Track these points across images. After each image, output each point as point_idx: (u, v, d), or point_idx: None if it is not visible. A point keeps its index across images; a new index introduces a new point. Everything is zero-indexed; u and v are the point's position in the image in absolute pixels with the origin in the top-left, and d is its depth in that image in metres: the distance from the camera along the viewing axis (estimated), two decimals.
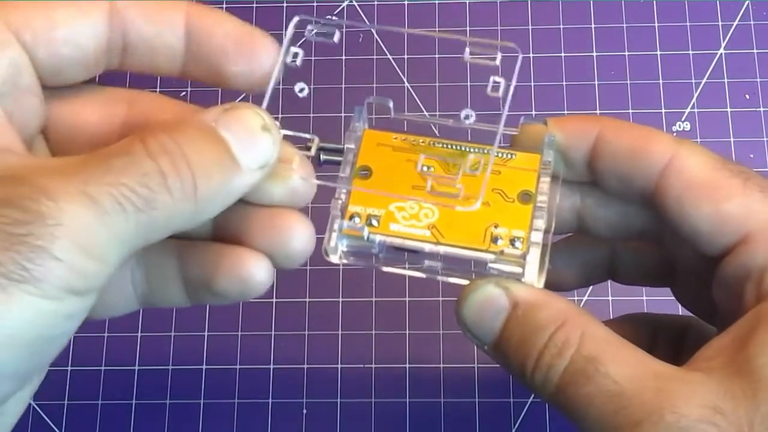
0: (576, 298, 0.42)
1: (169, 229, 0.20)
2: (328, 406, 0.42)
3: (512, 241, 0.23)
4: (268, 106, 0.23)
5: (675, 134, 0.45)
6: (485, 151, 0.25)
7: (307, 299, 0.43)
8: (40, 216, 0.18)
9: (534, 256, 0.23)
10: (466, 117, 0.24)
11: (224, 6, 0.49)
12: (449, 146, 0.25)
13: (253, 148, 0.21)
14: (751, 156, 0.45)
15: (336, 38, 0.25)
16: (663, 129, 0.45)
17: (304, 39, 0.24)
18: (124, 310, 0.25)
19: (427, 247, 0.24)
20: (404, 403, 0.42)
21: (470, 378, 0.41)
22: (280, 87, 0.24)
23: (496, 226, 0.23)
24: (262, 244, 0.23)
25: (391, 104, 0.25)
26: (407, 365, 0.42)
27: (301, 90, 0.24)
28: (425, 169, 0.25)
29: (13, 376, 0.19)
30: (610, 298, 0.42)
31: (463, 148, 0.25)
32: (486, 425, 0.41)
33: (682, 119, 0.45)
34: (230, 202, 0.21)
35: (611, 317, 0.37)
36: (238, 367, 0.42)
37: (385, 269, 0.25)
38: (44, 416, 0.42)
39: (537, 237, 0.23)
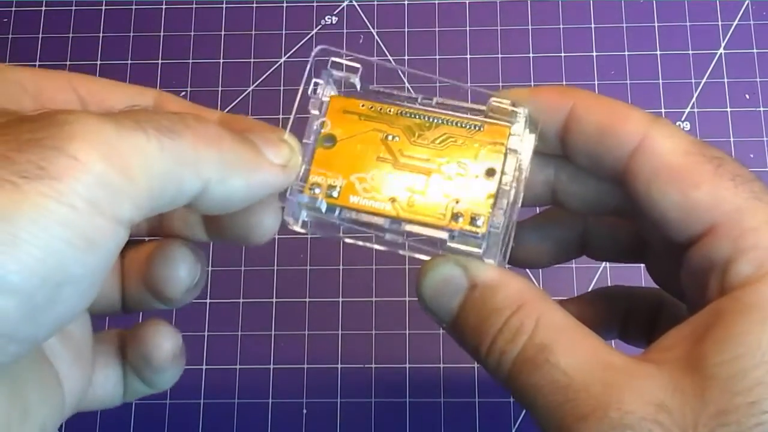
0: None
1: (197, 172, 0.19)
2: (328, 406, 0.42)
3: (473, 219, 0.22)
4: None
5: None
6: (453, 122, 0.24)
7: (307, 299, 0.43)
8: (55, 122, 0.17)
9: (496, 234, 0.22)
10: (431, 98, 0.24)
11: (224, 6, 0.49)
12: (417, 116, 0.24)
13: (274, 147, 0.21)
14: (751, 156, 0.45)
15: (359, 74, 0.24)
16: None
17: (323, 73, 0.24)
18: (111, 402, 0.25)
19: (387, 223, 0.23)
20: (404, 403, 0.42)
21: (470, 378, 0.41)
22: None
23: (457, 202, 0.23)
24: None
25: (357, 81, 0.24)
26: (407, 365, 0.42)
27: (323, 124, 0.24)
28: (391, 138, 0.24)
29: (20, 294, 0.16)
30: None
31: (431, 119, 0.24)
32: (486, 425, 0.41)
33: (682, 119, 0.45)
34: (252, 186, 0.21)
35: None
36: (238, 367, 0.42)
37: (348, 241, 0.24)
38: None
39: (499, 215, 0.22)
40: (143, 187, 0.18)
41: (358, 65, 0.24)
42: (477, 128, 0.24)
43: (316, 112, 0.24)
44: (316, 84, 0.24)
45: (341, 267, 0.44)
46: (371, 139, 0.24)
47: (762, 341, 0.19)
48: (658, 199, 0.22)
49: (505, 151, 0.23)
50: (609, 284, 0.42)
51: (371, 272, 0.43)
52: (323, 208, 0.23)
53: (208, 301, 0.43)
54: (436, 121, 0.24)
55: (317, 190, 0.23)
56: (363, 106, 0.24)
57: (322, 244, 0.44)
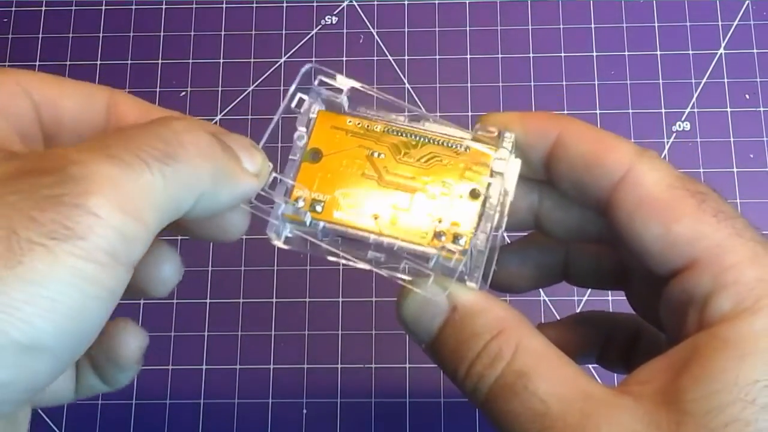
0: (576, 298, 0.42)
1: (194, 190, 0.20)
2: (328, 406, 0.42)
3: (456, 239, 0.22)
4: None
5: (674, 135, 0.45)
6: (440, 142, 0.24)
7: (307, 299, 0.43)
8: (70, 177, 0.17)
9: (478, 257, 0.22)
10: (420, 119, 0.24)
11: (224, 6, 0.49)
12: (404, 134, 0.24)
13: (249, 155, 0.22)
14: (751, 156, 0.45)
15: (344, 98, 0.24)
16: (663, 129, 0.45)
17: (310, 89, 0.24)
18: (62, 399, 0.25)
19: (371, 238, 0.23)
20: (404, 403, 0.42)
21: None
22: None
23: (440, 221, 0.23)
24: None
25: (345, 101, 0.25)
26: (407, 365, 0.42)
27: (299, 137, 0.24)
28: (377, 156, 0.24)
29: (53, 353, 0.17)
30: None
31: (417, 138, 0.24)
32: (486, 425, 0.41)
33: (682, 119, 0.45)
34: (234, 196, 0.21)
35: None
36: (238, 367, 0.43)
37: (330, 258, 0.24)
38: (44, 416, 0.42)
39: (482, 237, 0.22)
40: (152, 227, 0.19)
41: (343, 87, 0.24)
42: (463, 149, 0.24)
43: (303, 129, 0.24)
44: (301, 100, 0.24)
45: (341, 267, 0.44)
46: (357, 156, 0.24)
47: (738, 378, 0.19)
48: (640, 231, 0.22)
49: (490, 173, 0.23)
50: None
51: (371, 272, 0.43)
52: (307, 223, 0.23)
53: (208, 301, 0.43)
54: (422, 140, 0.24)
55: (301, 204, 0.23)
56: (350, 122, 0.24)
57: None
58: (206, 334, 0.43)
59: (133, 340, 0.24)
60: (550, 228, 0.26)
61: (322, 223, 0.23)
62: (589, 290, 0.42)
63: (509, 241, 0.29)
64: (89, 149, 0.18)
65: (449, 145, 0.24)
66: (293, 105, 0.24)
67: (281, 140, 0.24)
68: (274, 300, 0.43)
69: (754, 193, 0.44)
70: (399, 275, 0.23)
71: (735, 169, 0.44)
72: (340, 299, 0.43)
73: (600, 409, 0.20)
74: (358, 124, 0.24)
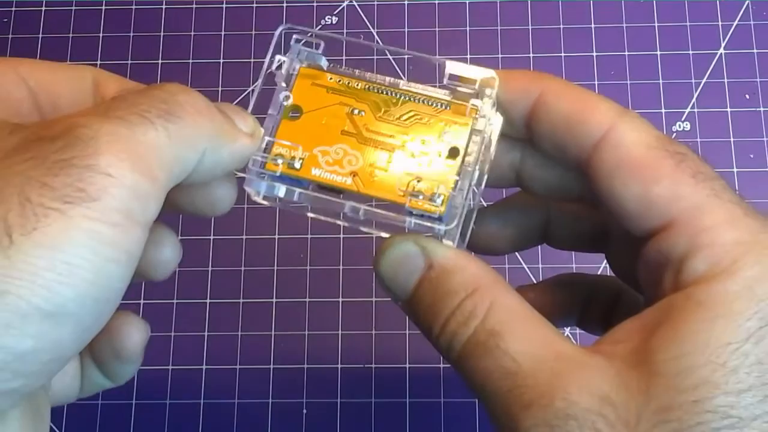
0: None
1: (197, 147, 0.20)
2: (328, 406, 0.42)
3: (432, 198, 0.22)
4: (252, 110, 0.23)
5: (674, 135, 0.45)
6: (420, 100, 0.24)
7: (307, 299, 0.43)
8: (78, 139, 0.17)
9: (455, 215, 0.22)
10: (399, 82, 0.24)
11: (224, 6, 0.49)
12: (385, 92, 0.24)
13: (242, 118, 0.22)
14: (751, 156, 0.45)
15: (321, 49, 0.24)
16: (663, 129, 0.45)
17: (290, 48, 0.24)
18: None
19: (347, 197, 0.23)
20: (404, 403, 0.42)
21: None
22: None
23: (419, 180, 0.23)
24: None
25: (324, 63, 0.25)
26: (407, 365, 0.42)
27: (286, 98, 0.24)
28: (357, 113, 0.24)
29: (76, 319, 0.17)
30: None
31: (398, 95, 0.24)
32: (486, 425, 0.41)
33: (682, 119, 0.45)
34: (234, 155, 0.21)
35: None
36: (238, 367, 0.43)
37: (311, 215, 0.24)
38: None
39: (460, 195, 0.22)
40: (163, 184, 0.19)
41: (321, 41, 0.24)
42: (444, 107, 0.24)
43: (284, 84, 0.24)
44: (280, 62, 0.24)
45: (341, 267, 0.44)
46: (337, 113, 0.24)
47: (710, 340, 0.19)
48: (618, 190, 0.22)
49: (469, 131, 0.23)
50: None
51: (371, 272, 0.43)
52: (283, 180, 0.23)
53: (208, 301, 0.43)
54: (403, 97, 0.24)
55: (280, 161, 0.23)
56: (331, 79, 0.24)
57: (322, 244, 0.44)
58: (206, 334, 0.43)
59: (136, 332, 0.24)
60: (531, 185, 0.26)
61: (299, 180, 0.23)
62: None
63: (487, 204, 0.29)
64: (92, 113, 0.18)
65: (430, 103, 0.24)
66: (274, 68, 0.24)
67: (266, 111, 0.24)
68: (274, 300, 0.43)
69: (754, 193, 0.44)
70: (377, 232, 0.23)
71: (735, 169, 0.44)
72: (340, 299, 0.43)
73: (570, 368, 0.20)
74: (339, 81, 0.24)
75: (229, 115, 0.22)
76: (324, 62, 0.25)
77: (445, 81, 0.24)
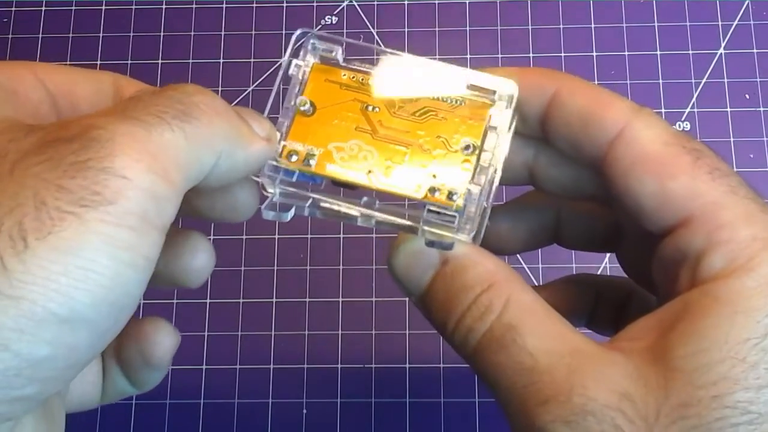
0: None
1: (214, 149, 0.19)
2: (328, 406, 0.42)
3: (450, 194, 0.22)
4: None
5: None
6: (435, 96, 0.24)
7: (307, 299, 0.43)
8: (94, 140, 0.17)
9: (471, 212, 0.22)
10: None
11: (224, 6, 0.49)
12: None
13: (257, 121, 0.22)
14: (751, 156, 0.45)
15: (339, 55, 0.24)
16: None
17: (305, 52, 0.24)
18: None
19: (362, 194, 0.23)
20: (404, 403, 0.42)
21: (470, 378, 0.41)
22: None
23: (435, 176, 0.22)
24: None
25: (340, 55, 0.24)
26: (407, 365, 0.42)
27: (301, 102, 0.24)
28: (371, 109, 0.23)
29: (92, 325, 0.17)
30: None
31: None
32: (486, 425, 0.41)
33: (682, 119, 0.45)
34: (250, 158, 0.21)
35: None
36: (238, 367, 0.43)
37: (324, 205, 0.23)
38: None
39: (475, 192, 0.22)
40: (180, 186, 0.18)
41: (340, 39, 0.24)
42: (458, 103, 0.23)
43: (298, 78, 0.24)
44: (297, 66, 0.24)
45: (341, 267, 0.44)
46: (351, 109, 0.23)
47: (729, 336, 0.19)
48: (635, 187, 0.22)
49: (485, 128, 0.23)
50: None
51: (371, 272, 0.43)
52: (297, 176, 0.23)
53: (208, 301, 0.43)
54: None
55: (294, 158, 0.23)
56: (345, 75, 0.24)
57: (322, 244, 0.44)
58: (206, 334, 0.43)
59: (167, 339, 0.24)
60: (544, 184, 0.25)
61: (314, 176, 0.23)
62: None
63: (498, 203, 0.29)
64: (108, 113, 0.18)
65: (445, 99, 0.24)
66: (290, 72, 0.24)
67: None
68: (274, 300, 0.43)
69: None
70: (393, 219, 0.23)
71: (735, 169, 0.44)
72: (340, 299, 0.43)
73: (588, 364, 0.20)
74: (353, 77, 0.24)
75: (245, 118, 0.21)
76: (340, 56, 0.24)
77: (465, 90, 0.24)
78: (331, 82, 0.24)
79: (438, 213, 0.22)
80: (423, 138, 0.23)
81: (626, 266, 0.28)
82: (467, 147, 0.23)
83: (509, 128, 0.23)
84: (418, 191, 0.22)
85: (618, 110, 0.22)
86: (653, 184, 0.21)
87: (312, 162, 0.23)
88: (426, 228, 0.22)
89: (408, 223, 0.22)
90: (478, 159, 0.23)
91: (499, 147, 0.23)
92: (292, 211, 0.23)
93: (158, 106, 0.19)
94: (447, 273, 0.22)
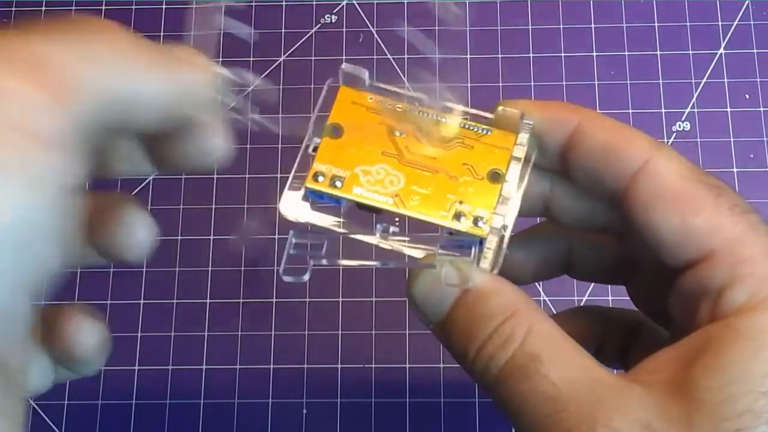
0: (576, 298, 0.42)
1: (122, 72, 0.17)
2: (328, 406, 0.42)
3: (475, 220, 0.22)
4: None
5: (674, 134, 0.45)
6: (461, 125, 0.24)
7: (307, 299, 0.43)
8: None
9: (493, 239, 0.22)
10: (438, 100, 0.24)
11: (224, 6, 0.49)
12: (426, 114, 0.24)
13: (184, 50, 0.20)
14: (751, 156, 0.45)
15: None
16: (663, 129, 0.45)
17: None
18: None
19: (387, 218, 0.23)
20: (404, 403, 0.42)
21: (470, 378, 0.41)
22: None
23: (461, 202, 0.23)
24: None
25: (365, 75, 0.24)
26: (407, 365, 0.42)
27: (331, 127, 0.24)
28: (398, 134, 0.24)
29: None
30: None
31: (439, 118, 0.24)
32: (486, 425, 0.41)
33: (682, 119, 0.45)
34: (178, 91, 0.19)
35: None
36: (238, 367, 0.42)
37: (344, 231, 0.23)
38: (44, 416, 0.42)
39: (499, 221, 0.23)
40: (73, 103, 0.16)
41: (370, 84, 0.24)
42: (484, 132, 0.24)
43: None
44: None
45: (341, 267, 0.44)
46: (378, 133, 0.24)
47: (753, 370, 0.19)
48: (656, 222, 0.22)
49: (510, 157, 0.23)
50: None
51: (371, 272, 0.43)
52: (322, 197, 0.23)
53: (208, 301, 0.43)
54: (444, 120, 0.24)
55: (321, 179, 0.23)
56: (371, 99, 0.24)
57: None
58: (206, 334, 0.43)
59: (88, 338, 0.23)
60: (558, 215, 0.26)
61: (341, 199, 0.23)
62: (589, 294, 0.42)
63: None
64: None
65: (470, 128, 0.24)
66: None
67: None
68: (274, 300, 0.43)
69: (754, 193, 0.44)
70: (413, 253, 0.23)
71: (735, 169, 0.44)
72: (340, 299, 0.43)
73: (611, 395, 0.20)
74: (380, 101, 0.24)
75: (163, 49, 0.19)
76: (366, 76, 0.24)
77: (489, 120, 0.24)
78: (357, 105, 0.24)
79: (461, 240, 0.22)
80: (449, 165, 0.23)
81: (637, 298, 0.28)
82: (493, 175, 0.23)
83: (530, 160, 0.24)
84: (444, 217, 0.23)
85: (640, 145, 0.23)
86: (675, 219, 0.22)
87: (338, 183, 0.23)
88: (442, 253, 0.22)
89: (426, 251, 0.23)
90: (502, 188, 0.23)
91: (521, 178, 0.23)
92: (309, 270, 0.23)
93: (47, 25, 0.17)
94: (468, 301, 0.22)
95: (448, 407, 0.41)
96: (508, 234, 0.23)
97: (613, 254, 0.28)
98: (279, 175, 0.45)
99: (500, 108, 0.24)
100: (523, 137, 0.24)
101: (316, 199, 0.23)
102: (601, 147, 0.23)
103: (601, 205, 0.24)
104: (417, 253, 0.23)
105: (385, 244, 0.23)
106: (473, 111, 0.24)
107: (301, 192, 0.23)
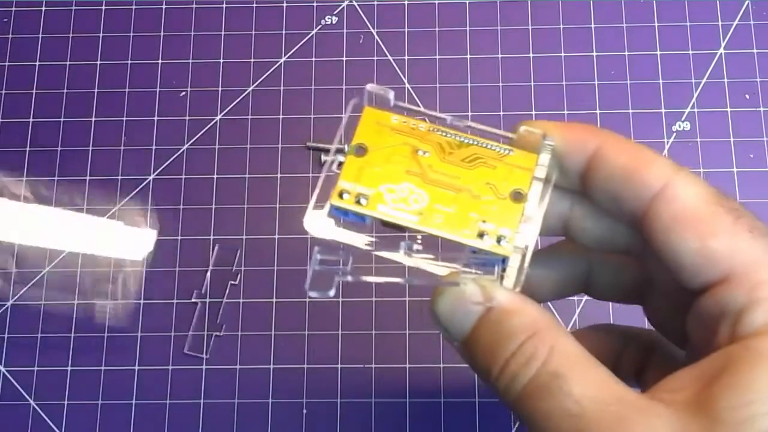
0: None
1: None
2: (328, 406, 0.42)
3: (499, 239, 0.23)
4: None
5: (674, 135, 0.45)
6: (483, 145, 0.24)
7: (308, 299, 0.43)
8: None
9: (516, 258, 0.23)
10: (462, 120, 0.24)
11: (224, 6, 0.49)
12: (448, 135, 0.24)
13: None
14: (751, 156, 0.45)
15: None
16: (663, 129, 0.45)
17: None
18: None
19: (411, 236, 0.23)
20: (404, 403, 0.42)
21: (470, 378, 0.41)
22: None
23: (484, 221, 0.23)
24: None
25: (391, 95, 0.25)
26: (407, 365, 0.42)
27: (356, 146, 0.24)
28: (422, 154, 0.24)
29: None
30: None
31: (462, 139, 0.24)
32: (486, 425, 0.41)
33: (682, 119, 0.45)
34: None
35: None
36: (238, 367, 0.42)
37: (369, 248, 0.24)
38: (44, 416, 0.42)
39: (522, 239, 0.23)
40: None
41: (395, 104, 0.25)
42: (507, 152, 0.24)
43: (336, 170, 0.24)
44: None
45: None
46: (402, 153, 0.24)
47: None
48: (676, 244, 0.22)
49: (531, 178, 0.24)
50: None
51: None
52: (347, 215, 0.23)
53: (208, 301, 0.43)
54: (466, 141, 0.24)
55: (346, 196, 0.23)
56: (395, 120, 0.25)
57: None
58: (206, 333, 0.43)
59: None
60: (578, 235, 0.26)
61: (366, 216, 0.23)
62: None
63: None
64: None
65: (492, 147, 0.24)
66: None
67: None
68: (275, 300, 0.43)
69: (754, 193, 0.44)
70: (436, 270, 0.23)
71: (735, 169, 0.44)
72: (340, 299, 0.43)
73: (634, 413, 0.20)
74: (404, 122, 0.25)
75: None
76: (392, 96, 0.25)
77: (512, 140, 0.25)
78: (381, 125, 0.25)
79: (485, 259, 0.23)
80: (472, 184, 0.24)
81: (654, 318, 0.28)
82: (515, 195, 0.23)
83: (551, 180, 0.24)
84: (468, 235, 0.23)
85: (659, 168, 0.23)
86: (695, 242, 0.22)
87: (363, 201, 0.23)
88: (466, 271, 0.23)
89: (449, 269, 0.23)
90: (525, 207, 0.23)
91: (542, 197, 0.24)
92: (334, 286, 0.24)
93: None
94: (491, 319, 0.23)
95: (448, 407, 0.41)
96: (529, 253, 0.23)
97: (632, 275, 0.28)
98: (279, 175, 0.45)
99: (522, 128, 0.24)
100: (545, 158, 0.24)
101: (340, 216, 0.23)
102: (621, 170, 0.23)
103: (621, 226, 0.25)
104: (440, 270, 0.24)
105: (409, 262, 0.24)
106: (496, 131, 0.24)
107: (326, 209, 0.24)
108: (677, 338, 0.26)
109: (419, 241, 0.23)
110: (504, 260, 0.23)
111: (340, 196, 0.23)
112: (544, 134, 0.24)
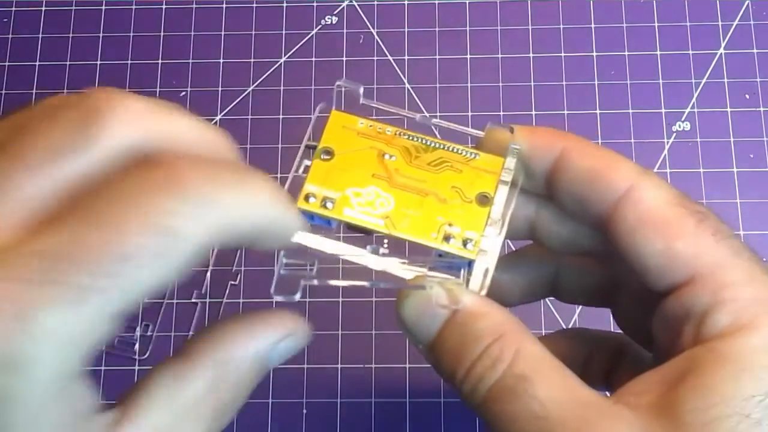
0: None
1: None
2: (328, 406, 0.42)
3: (464, 242, 0.23)
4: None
5: (674, 135, 0.45)
6: (449, 148, 0.24)
7: (308, 299, 0.43)
8: None
9: (482, 261, 0.23)
10: (431, 119, 0.24)
11: (224, 6, 0.49)
12: (415, 139, 0.24)
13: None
14: (751, 156, 0.45)
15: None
16: (663, 129, 0.45)
17: None
18: None
19: (376, 240, 0.23)
20: (404, 403, 0.42)
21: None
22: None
23: (450, 225, 0.23)
24: None
25: (361, 90, 0.25)
26: (407, 365, 0.42)
27: (322, 149, 0.24)
28: (388, 158, 0.24)
29: None
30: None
31: (428, 143, 0.24)
32: (486, 425, 0.41)
33: (682, 119, 0.45)
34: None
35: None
36: None
37: (334, 252, 0.24)
38: None
39: (488, 243, 0.23)
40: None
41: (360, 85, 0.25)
42: (473, 156, 0.24)
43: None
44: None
45: (341, 266, 0.44)
46: (368, 156, 0.24)
47: (737, 392, 0.19)
48: (641, 246, 0.22)
49: (497, 181, 0.24)
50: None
51: (371, 273, 0.43)
52: (312, 218, 0.24)
53: (207, 301, 0.43)
54: (433, 144, 0.24)
55: (312, 200, 0.23)
56: (362, 123, 0.25)
57: None
58: None
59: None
60: (544, 239, 0.26)
61: (331, 220, 0.23)
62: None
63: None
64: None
65: (459, 151, 0.24)
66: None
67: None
68: (275, 300, 0.43)
69: (754, 193, 0.44)
70: (402, 274, 0.24)
71: (735, 169, 0.44)
72: (340, 299, 0.43)
73: (598, 416, 0.20)
74: (370, 126, 0.25)
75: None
76: (361, 91, 0.25)
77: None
78: (348, 129, 0.25)
79: (451, 262, 0.23)
80: (439, 187, 0.24)
81: (621, 321, 0.28)
82: (481, 198, 0.24)
83: (517, 184, 0.24)
84: (434, 239, 0.23)
85: (624, 171, 0.23)
86: (659, 244, 0.22)
87: (329, 205, 0.23)
88: (432, 274, 0.23)
89: (416, 272, 0.23)
90: (490, 211, 0.23)
91: (508, 201, 0.24)
92: (300, 289, 0.24)
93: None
94: (457, 322, 0.23)
95: (448, 407, 0.41)
96: (496, 256, 0.23)
97: (599, 278, 0.28)
98: (279, 175, 0.45)
99: (488, 125, 0.24)
100: (511, 162, 0.24)
101: (306, 220, 0.23)
102: (586, 172, 0.23)
103: (587, 229, 0.25)
104: (407, 274, 0.24)
105: (376, 265, 0.24)
106: (464, 129, 0.25)
107: None
108: (645, 341, 0.26)
109: (386, 245, 0.23)
110: (470, 263, 0.23)
111: (306, 199, 0.23)
112: (511, 128, 0.24)
